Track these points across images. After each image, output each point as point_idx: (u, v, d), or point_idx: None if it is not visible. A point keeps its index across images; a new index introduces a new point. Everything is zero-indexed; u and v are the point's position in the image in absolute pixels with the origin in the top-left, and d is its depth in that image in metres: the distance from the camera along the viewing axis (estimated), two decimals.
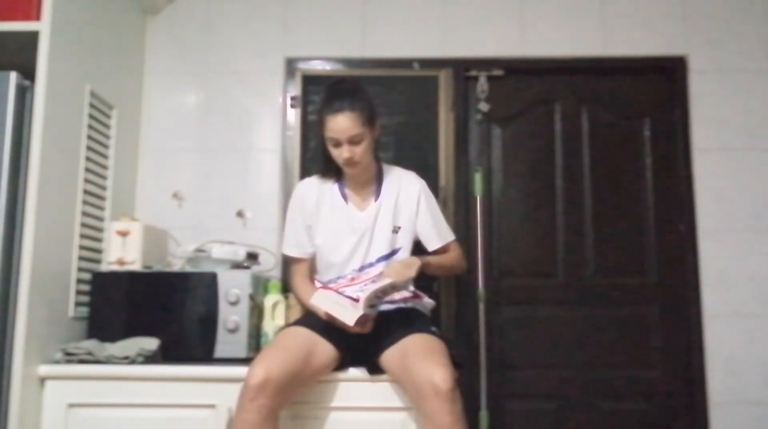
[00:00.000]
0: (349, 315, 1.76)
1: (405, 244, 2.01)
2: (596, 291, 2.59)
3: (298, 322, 1.92)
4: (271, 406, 1.66)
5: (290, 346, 1.77)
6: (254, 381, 1.64)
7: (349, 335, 1.84)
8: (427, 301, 2.07)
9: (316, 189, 2.05)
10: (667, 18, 2.68)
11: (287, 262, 2.15)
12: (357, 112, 1.88)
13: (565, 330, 2.56)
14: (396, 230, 2.00)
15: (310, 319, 1.90)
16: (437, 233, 2.04)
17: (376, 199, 2.02)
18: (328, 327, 1.83)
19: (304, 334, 1.82)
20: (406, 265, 1.85)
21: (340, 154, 1.91)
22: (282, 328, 2.01)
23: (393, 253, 1.99)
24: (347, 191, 2.03)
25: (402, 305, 1.99)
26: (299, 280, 2.07)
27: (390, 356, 1.79)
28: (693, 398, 2.49)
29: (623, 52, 2.67)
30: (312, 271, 2.10)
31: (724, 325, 2.50)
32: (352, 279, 1.94)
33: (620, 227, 2.62)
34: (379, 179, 2.05)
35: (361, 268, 1.97)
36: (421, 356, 1.71)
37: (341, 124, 1.87)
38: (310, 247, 2.05)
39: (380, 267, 1.95)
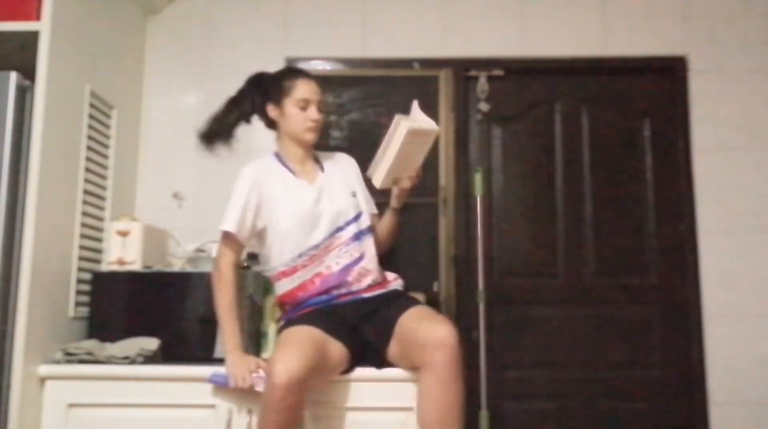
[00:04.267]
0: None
1: (364, 208, 2.02)
2: (596, 291, 2.59)
3: (303, 322, 1.84)
4: (299, 404, 1.65)
5: (306, 342, 1.72)
6: (281, 380, 1.60)
7: (357, 333, 1.83)
8: (398, 282, 2.05)
9: (263, 169, 2.00)
10: (667, 18, 2.68)
11: (222, 245, 1.94)
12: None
13: (565, 330, 2.56)
14: (354, 194, 2.01)
15: (315, 319, 1.84)
16: (369, 205, 2.07)
17: (322, 171, 2.03)
18: (334, 325, 1.81)
19: (315, 331, 1.78)
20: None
21: (309, 116, 1.96)
22: (285, 328, 1.91)
23: (358, 216, 1.97)
24: (291, 166, 2.01)
25: (381, 291, 1.95)
26: (226, 269, 1.91)
27: (393, 345, 1.80)
28: (693, 398, 2.49)
29: (623, 52, 2.67)
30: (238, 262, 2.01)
31: (724, 325, 2.50)
32: (327, 247, 1.91)
33: (620, 227, 2.62)
34: (314, 156, 2.07)
35: (332, 234, 1.93)
36: (423, 320, 1.76)
37: (315, 87, 2.00)
38: (249, 229, 1.93)
39: (351, 228, 1.94)
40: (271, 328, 2.12)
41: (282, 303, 1.97)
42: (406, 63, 2.67)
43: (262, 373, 1.77)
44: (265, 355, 2.10)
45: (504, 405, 2.51)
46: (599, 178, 2.65)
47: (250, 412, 1.85)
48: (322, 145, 2.61)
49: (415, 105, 1.93)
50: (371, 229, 2.00)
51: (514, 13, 2.70)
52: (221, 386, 1.84)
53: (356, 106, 2.67)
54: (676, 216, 2.61)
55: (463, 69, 2.66)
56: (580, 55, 2.67)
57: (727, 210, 2.56)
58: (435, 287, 2.52)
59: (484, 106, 2.66)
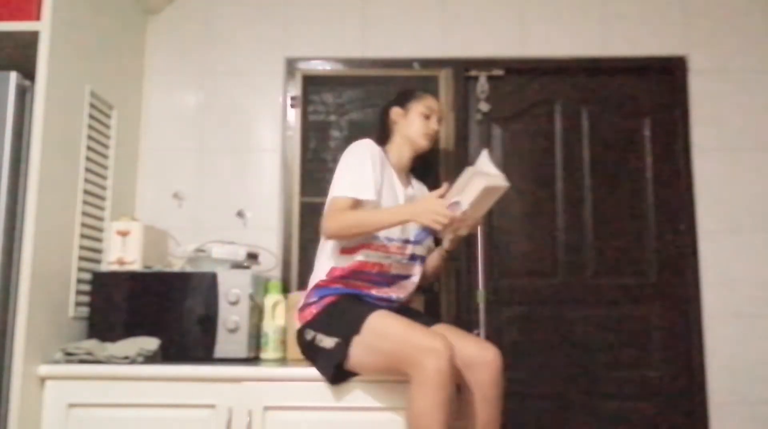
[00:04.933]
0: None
1: (427, 238, 2.14)
2: (596, 291, 2.59)
3: (378, 307, 1.83)
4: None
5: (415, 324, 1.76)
6: (448, 354, 1.61)
7: None
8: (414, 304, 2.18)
9: (381, 153, 2.04)
10: (667, 18, 2.68)
11: (337, 200, 1.90)
12: None
13: (565, 330, 2.56)
14: None
15: (379, 307, 1.86)
16: (430, 238, 2.17)
17: (412, 186, 2.14)
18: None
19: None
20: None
21: (430, 125, 2.09)
22: (365, 311, 1.81)
23: (421, 241, 2.08)
24: (394, 167, 2.10)
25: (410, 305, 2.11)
26: (351, 211, 1.89)
27: None
28: (693, 398, 2.49)
29: (623, 52, 2.67)
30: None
31: (724, 325, 2.50)
32: (396, 247, 1.98)
33: (620, 227, 2.62)
34: (408, 173, 2.17)
35: (403, 240, 2.00)
36: (465, 337, 1.86)
37: (439, 107, 2.15)
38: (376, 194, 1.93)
39: (415, 248, 2.02)
40: (271, 328, 2.12)
41: (335, 276, 1.93)
42: (406, 63, 2.67)
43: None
44: (265, 354, 2.11)
45: (504, 405, 2.50)
46: (599, 178, 2.65)
47: (250, 412, 1.85)
48: (323, 146, 2.63)
49: (485, 154, 1.89)
50: (424, 259, 2.10)
51: (514, 13, 2.70)
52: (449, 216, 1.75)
53: (356, 106, 2.67)
54: (676, 216, 2.61)
55: (463, 69, 2.66)
56: (580, 55, 2.67)
57: (727, 210, 2.56)
58: (435, 287, 2.52)
59: (484, 106, 2.66)
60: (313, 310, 1.89)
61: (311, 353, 1.87)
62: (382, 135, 2.13)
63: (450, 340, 1.68)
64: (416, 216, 1.78)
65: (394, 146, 2.11)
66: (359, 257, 1.93)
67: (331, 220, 1.88)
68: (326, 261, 1.96)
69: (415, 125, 2.09)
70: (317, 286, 1.94)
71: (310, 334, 1.86)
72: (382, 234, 1.93)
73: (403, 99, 2.13)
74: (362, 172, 1.92)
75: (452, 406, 1.65)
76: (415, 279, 2.05)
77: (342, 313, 1.83)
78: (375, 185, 1.91)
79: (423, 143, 2.10)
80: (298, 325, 1.94)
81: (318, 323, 1.86)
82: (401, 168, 2.11)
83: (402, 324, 1.73)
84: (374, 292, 1.95)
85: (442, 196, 1.79)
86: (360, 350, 1.75)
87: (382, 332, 1.72)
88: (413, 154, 2.12)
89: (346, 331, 1.77)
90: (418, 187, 2.19)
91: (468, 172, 1.84)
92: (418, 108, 2.09)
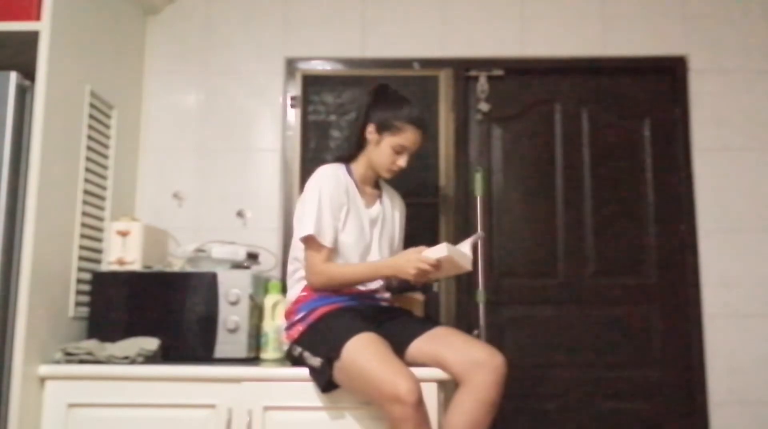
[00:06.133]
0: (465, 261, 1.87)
1: (396, 251, 2.11)
2: (596, 291, 2.59)
3: (359, 329, 1.79)
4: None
5: (392, 353, 1.75)
6: (415, 396, 1.63)
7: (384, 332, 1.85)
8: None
9: (339, 181, 2.00)
10: (667, 18, 2.68)
11: (311, 251, 1.92)
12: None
13: (566, 330, 2.56)
14: (393, 241, 2.11)
15: (363, 325, 1.84)
16: (400, 247, 2.15)
17: (380, 201, 2.08)
18: (368, 325, 1.83)
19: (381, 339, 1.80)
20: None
21: (397, 161, 1.99)
22: (346, 333, 1.78)
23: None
24: (357, 181, 2.04)
25: (392, 305, 2.10)
26: (333, 265, 1.93)
27: (422, 343, 1.85)
28: (693, 398, 2.49)
29: (623, 52, 2.67)
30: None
31: (724, 325, 2.50)
32: None
33: (620, 227, 2.62)
34: (378, 184, 2.13)
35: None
36: (469, 340, 1.86)
37: (419, 139, 2.00)
38: (335, 237, 1.95)
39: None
40: (271, 328, 2.12)
41: (310, 295, 1.96)
42: (406, 63, 2.67)
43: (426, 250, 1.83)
44: (265, 354, 2.11)
45: (504, 405, 2.49)
46: (599, 178, 2.65)
47: (250, 412, 1.85)
48: (323, 146, 2.63)
49: (477, 238, 1.96)
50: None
51: (514, 13, 2.70)
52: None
53: (356, 106, 2.66)
54: (676, 216, 2.61)
55: (463, 69, 2.66)
56: (580, 55, 2.67)
57: (727, 210, 2.56)
58: (435, 287, 2.52)
59: (484, 106, 2.66)
60: (300, 327, 1.89)
61: (302, 366, 1.87)
62: (357, 144, 2.04)
63: (416, 378, 1.68)
64: (398, 269, 1.86)
65: (362, 162, 2.04)
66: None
67: (315, 275, 1.91)
68: (300, 281, 1.99)
69: (382, 157, 1.99)
70: (298, 302, 1.95)
71: (297, 351, 1.88)
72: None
73: (383, 122, 1.98)
74: (321, 214, 1.91)
75: None
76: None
77: (325, 332, 1.83)
78: (333, 228, 1.92)
79: (386, 176, 2.03)
80: (286, 343, 1.96)
81: (304, 341, 1.86)
82: (367, 182, 2.06)
83: (373, 362, 1.70)
84: (356, 294, 1.97)
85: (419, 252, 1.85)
86: (340, 376, 1.77)
87: (355, 368, 1.72)
88: (377, 176, 2.07)
89: (327, 354, 1.77)
90: (393, 202, 2.14)
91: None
92: (391, 141, 1.96)
